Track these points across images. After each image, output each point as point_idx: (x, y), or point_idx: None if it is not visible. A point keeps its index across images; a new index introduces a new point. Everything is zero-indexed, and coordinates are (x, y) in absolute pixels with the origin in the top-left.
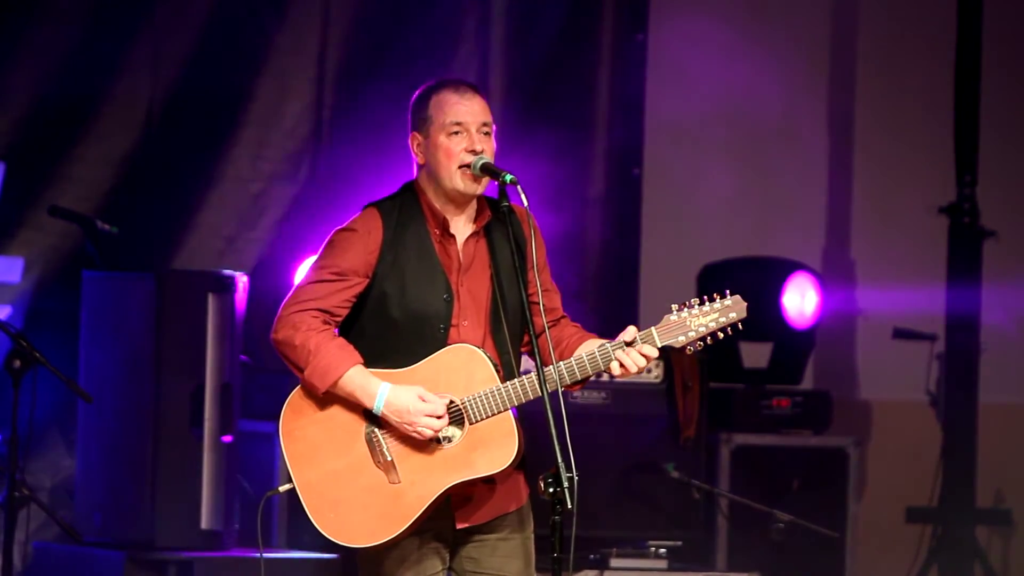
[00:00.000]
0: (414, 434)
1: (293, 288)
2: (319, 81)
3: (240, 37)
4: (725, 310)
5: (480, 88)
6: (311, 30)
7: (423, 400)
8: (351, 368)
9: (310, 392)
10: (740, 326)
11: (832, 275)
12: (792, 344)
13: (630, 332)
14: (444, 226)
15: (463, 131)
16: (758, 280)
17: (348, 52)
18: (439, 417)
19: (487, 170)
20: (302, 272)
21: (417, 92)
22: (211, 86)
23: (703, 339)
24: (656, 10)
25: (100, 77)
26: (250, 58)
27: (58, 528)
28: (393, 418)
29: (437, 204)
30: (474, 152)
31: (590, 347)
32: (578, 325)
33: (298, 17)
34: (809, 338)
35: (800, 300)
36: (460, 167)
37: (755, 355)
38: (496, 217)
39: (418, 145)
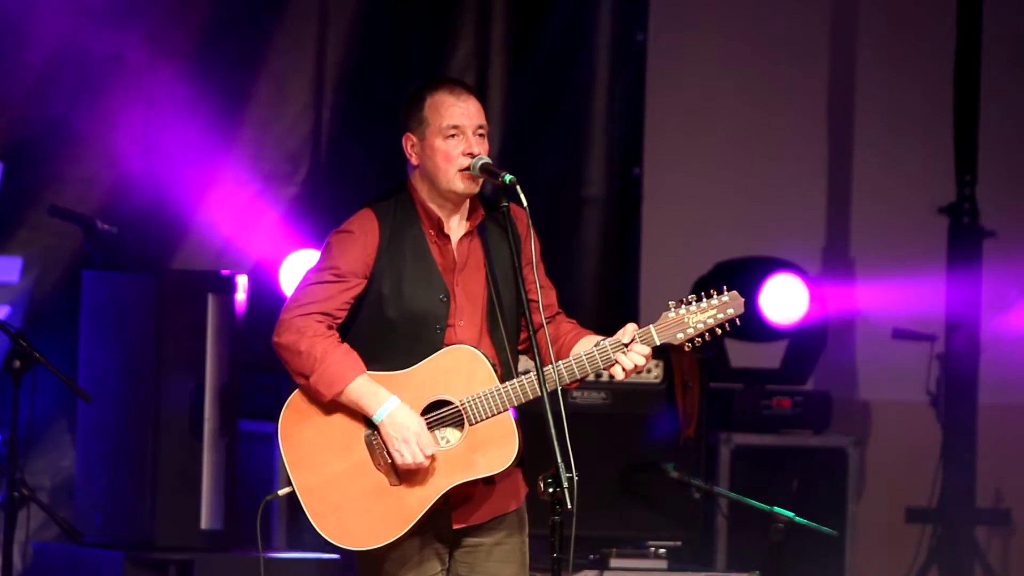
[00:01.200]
0: (395, 452)
1: (293, 291)
2: (318, 81)
3: (239, 37)
4: (723, 306)
5: (473, 88)
6: (309, 29)
7: (423, 430)
8: (358, 377)
9: (309, 395)
10: (738, 322)
11: (832, 275)
12: (800, 344)
13: (628, 331)
14: (439, 226)
15: (460, 134)
16: (754, 279)
17: (347, 51)
18: (426, 456)
19: (486, 170)
20: (287, 270)
21: (410, 91)
22: (210, 86)
23: (701, 336)
24: (656, 10)
25: (99, 76)
26: (249, 58)
27: (58, 528)
28: (389, 430)
29: (432, 204)
30: (471, 155)
31: (587, 345)
32: (574, 322)
33: (296, 16)
34: (819, 338)
35: (782, 300)
36: (459, 170)
37: (759, 355)
38: (489, 216)
39: (412, 146)
